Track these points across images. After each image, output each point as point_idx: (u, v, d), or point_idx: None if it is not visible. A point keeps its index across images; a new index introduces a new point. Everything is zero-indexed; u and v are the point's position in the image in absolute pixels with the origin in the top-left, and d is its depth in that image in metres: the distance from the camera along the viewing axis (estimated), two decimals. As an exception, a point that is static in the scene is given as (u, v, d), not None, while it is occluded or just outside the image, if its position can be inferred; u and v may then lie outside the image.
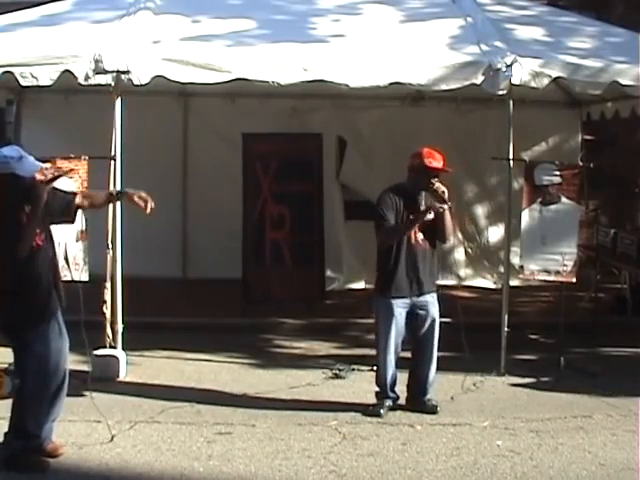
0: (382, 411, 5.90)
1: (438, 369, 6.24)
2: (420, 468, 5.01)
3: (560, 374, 6.71)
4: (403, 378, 6.09)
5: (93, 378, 6.45)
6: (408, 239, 5.78)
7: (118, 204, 6.64)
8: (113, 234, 6.68)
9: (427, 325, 5.90)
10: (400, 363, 6.04)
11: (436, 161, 5.70)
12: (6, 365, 5.74)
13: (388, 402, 5.96)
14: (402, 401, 6.06)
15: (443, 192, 5.69)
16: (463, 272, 10.24)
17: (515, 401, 6.33)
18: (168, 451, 5.21)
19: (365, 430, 5.61)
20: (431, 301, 5.90)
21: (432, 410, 5.93)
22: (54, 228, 5.15)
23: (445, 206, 5.69)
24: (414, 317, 5.91)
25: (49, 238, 5.03)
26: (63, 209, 5.08)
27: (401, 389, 6.08)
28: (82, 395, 6.09)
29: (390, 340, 5.84)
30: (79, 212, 5.34)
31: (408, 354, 6.07)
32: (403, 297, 5.83)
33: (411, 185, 5.82)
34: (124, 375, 6.70)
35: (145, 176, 9.05)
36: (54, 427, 5.11)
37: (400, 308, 5.83)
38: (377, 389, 6.02)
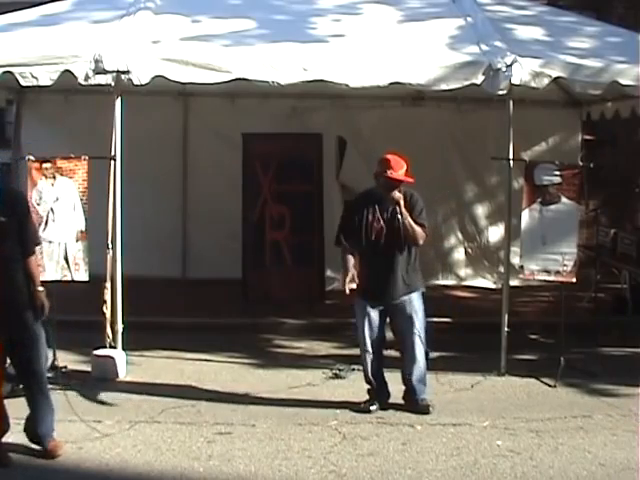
0: (372, 407, 5.95)
1: (439, 369, 6.26)
2: (420, 468, 5.01)
3: (560, 374, 6.70)
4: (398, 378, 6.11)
5: (93, 378, 6.49)
6: (377, 247, 5.82)
7: (118, 203, 6.67)
8: (113, 234, 6.68)
9: (404, 323, 5.93)
10: (395, 363, 6.08)
11: (397, 172, 5.75)
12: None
13: (378, 398, 6.01)
14: (400, 400, 6.07)
15: (397, 201, 5.76)
16: (463, 272, 10.24)
17: (515, 401, 6.33)
18: (168, 451, 5.21)
19: (365, 430, 5.61)
20: (408, 300, 5.91)
21: (424, 410, 5.93)
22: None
23: (400, 215, 5.76)
24: (392, 316, 5.97)
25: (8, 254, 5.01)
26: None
27: (400, 388, 6.08)
28: (82, 395, 6.12)
29: (365, 338, 5.94)
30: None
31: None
32: (376, 298, 5.91)
33: (377, 191, 5.90)
34: (124, 375, 6.70)
35: (145, 176, 9.17)
36: (53, 424, 5.15)
37: (374, 308, 5.91)
38: (368, 386, 6.06)
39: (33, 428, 5.16)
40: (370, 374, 6.02)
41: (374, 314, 5.92)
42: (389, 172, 5.73)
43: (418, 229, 5.83)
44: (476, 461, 5.12)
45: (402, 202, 5.77)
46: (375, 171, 5.85)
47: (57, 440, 5.14)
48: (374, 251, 5.85)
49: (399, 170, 5.75)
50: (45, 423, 5.14)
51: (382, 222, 5.83)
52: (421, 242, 5.93)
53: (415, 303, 5.93)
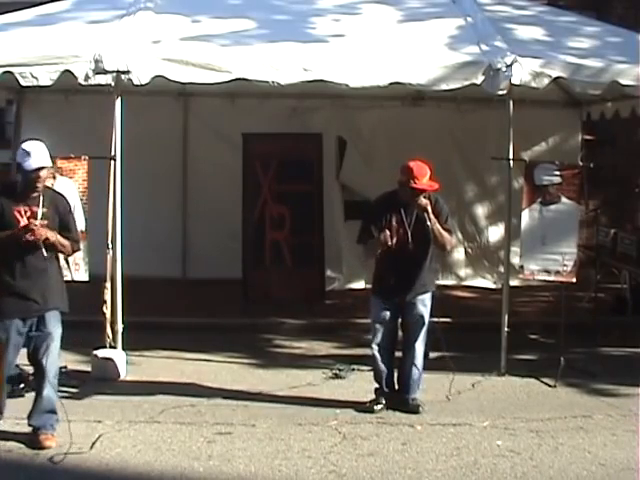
0: (376, 407, 5.96)
1: (439, 369, 6.26)
2: (420, 468, 5.01)
3: (560, 374, 6.70)
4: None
5: (93, 378, 6.48)
6: (400, 250, 5.79)
7: (118, 203, 6.66)
8: (113, 234, 6.68)
9: (414, 322, 5.95)
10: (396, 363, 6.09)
11: (421, 180, 5.71)
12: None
13: (383, 399, 6.01)
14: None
15: (425, 208, 5.74)
16: (463, 272, 10.24)
17: (515, 401, 6.33)
18: (168, 451, 5.21)
19: (365, 430, 5.61)
20: (421, 299, 5.93)
21: (414, 410, 5.94)
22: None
23: (429, 222, 5.74)
24: (403, 314, 5.98)
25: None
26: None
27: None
28: (82, 395, 6.12)
29: (378, 336, 5.94)
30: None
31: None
32: (391, 298, 5.91)
33: (401, 195, 5.88)
34: (124, 375, 6.70)
35: (145, 176, 9.16)
36: (49, 423, 5.19)
37: (389, 306, 5.91)
38: (376, 385, 6.07)
39: (30, 416, 5.25)
40: (378, 373, 6.01)
41: (389, 313, 5.93)
42: (413, 182, 5.70)
43: (447, 236, 5.88)
44: (476, 461, 5.12)
45: (430, 208, 5.75)
46: (399, 179, 5.81)
47: (50, 435, 5.18)
48: (396, 253, 5.80)
49: (423, 178, 5.71)
50: (39, 418, 5.20)
51: (407, 226, 5.82)
52: (449, 248, 6.06)
53: (427, 303, 5.97)
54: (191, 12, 7.60)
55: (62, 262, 6.51)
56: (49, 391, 5.20)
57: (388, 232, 5.69)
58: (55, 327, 5.18)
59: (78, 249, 5.55)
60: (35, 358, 5.18)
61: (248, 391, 6.40)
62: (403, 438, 5.48)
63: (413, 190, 5.72)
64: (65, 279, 6.52)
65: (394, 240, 5.70)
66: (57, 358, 5.23)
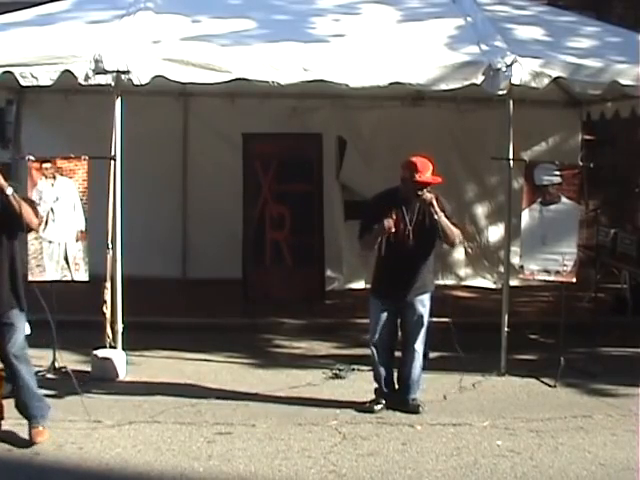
0: (376, 407, 5.96)
1: (439, 369, 6.26)
2: (420, 468, 5.01)
3: (560, 374, 6.70)
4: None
5: (93, 378, 6.49)
6: (397, 246, 5.80)
7: (118, 203, 6.66)
8: (113, 234, 6.67)
9: (413, 322, 5.94)
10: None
11: (425, 174, 5.69)
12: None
13: (383, 399, 6.01)
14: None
15: (430, 201, 5.70)
16: (463, 272, 10.24)
17: (515, 401, 6.33)
18: (168, 451, 5.21)
19: (365, 430, 5.61)
20: (420, 299, 5.93)
21: (414, 410, 5.94)
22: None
23: (436, 215, 5.70)
24: (403, 315, 5.98)
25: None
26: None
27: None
28: (82, 395, 6.12)
29: (377, 336, 5.94)
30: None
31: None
32: (390, 298, 5.90)
33: (403, 192, 5.85)
34: (124, 375, 6.70)
35: (145, 176, 9.17)
36: (38, 412, 5.21)
37: (388, 306, 5.91)
38: (376, 385, 6.07)
39: (20, 412, 5.26)
40: (377, 373, 6.02)
41: (388, 313, 5.92)
42: (417, 176, 5.67)
43: (455, 229, 5.85)
44: (476, 461, 5.12)
45: (435, 202, 5.71)
46: (402, 175, 5.77)
47: (40, 428, 5.19)
48: (396, 252, 5.80)
49: (426, 172, 5.68)
50: (26, 408, 5.21)
51: (408, 223, 5.81)
52: (458, 242, 6.00)
53: (426, 303, 5.96)
54: (191, 12, 7.60)
55: (62, 262, 6.58)
56: (27, 380, 5.17)
57: (392, 220, 5.67)
58: (17, 321, 5.13)
59: (37, 215, 5.27)
60: (1, 350, 5.15)
61: (248, 391, 6.41)
62: (403, 438, 5.49)
63: (417, 184, 5.68)
64: (65, 279, 6.60)
65: (395, 228, 5.67)
66: (23, 348, 5.19)
